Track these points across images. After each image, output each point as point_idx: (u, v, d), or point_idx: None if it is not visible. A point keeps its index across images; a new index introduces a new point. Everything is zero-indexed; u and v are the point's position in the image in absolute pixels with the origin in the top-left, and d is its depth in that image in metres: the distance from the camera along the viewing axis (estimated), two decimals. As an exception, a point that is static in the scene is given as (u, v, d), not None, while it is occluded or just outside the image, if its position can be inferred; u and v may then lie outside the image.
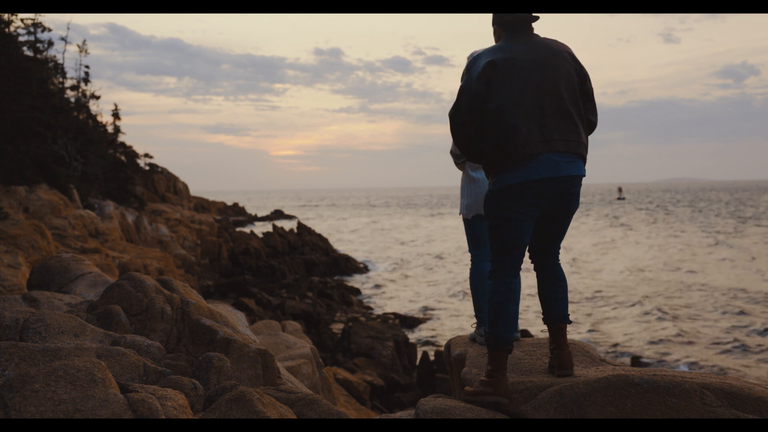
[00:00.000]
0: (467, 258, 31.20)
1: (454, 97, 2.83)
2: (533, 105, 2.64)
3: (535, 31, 2.85)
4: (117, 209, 23.03)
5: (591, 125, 2.86)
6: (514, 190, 2.65)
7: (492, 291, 2.78)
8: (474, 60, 2.78)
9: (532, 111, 2.63)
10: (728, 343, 14.90)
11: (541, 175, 2.61)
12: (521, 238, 2.74)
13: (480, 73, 2.68)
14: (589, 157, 2.90)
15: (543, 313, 2.93)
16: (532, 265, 3.00)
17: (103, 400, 2.07)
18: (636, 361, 13.53)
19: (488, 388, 2.69)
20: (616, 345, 15.00)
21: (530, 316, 17.43)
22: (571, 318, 2.97)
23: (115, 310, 3.49)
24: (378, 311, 20.21)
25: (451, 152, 3.76)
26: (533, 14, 2.81)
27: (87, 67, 31.46)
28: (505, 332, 2.73)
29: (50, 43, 26.76)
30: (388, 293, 23.81)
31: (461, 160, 3.71)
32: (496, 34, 2.93)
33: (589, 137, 2.90)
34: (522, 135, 2.61)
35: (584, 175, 2.75)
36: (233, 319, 4.24)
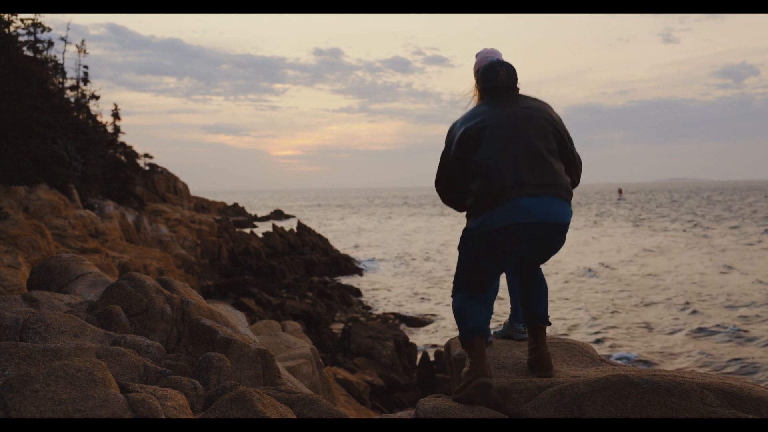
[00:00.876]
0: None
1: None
2: (507, 154, 2.66)
3: (525, 85, 2.92)
4: (117, 209, 23.03)
5: (575, 170, 2.86)
6: (491, 235, 2.63)
7: (456, 304, 2.84)
8: (451, 128, 2.90)
9: (505, 159, 2.66)
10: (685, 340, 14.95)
11: (516, 220, 2.58)
12: (492, 278, 2.79)
13: (456, 142, 2.81)
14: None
15: (523, 314, 2.97)
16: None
17: (103, 400, 2.07)
18: (636, 361, 13.55)
19: (470, 376, 2.71)
20: (597, 342, 15.03)
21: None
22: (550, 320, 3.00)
23: (115, 310, 3.49)
24: (378, 311, 20.21)
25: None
26: (515, 82, 2.86)
27: (86, 67, 31.46)
28: (476, 323, 2.76)
29: (50, 43, 26.77)
30: (388, 293, 23.81)
31: None
32: (479, 96, 2.99)
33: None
34: (497, 180, 2.62)
35: (566, 221, 2.66)
36: (233, 319, 4.25)
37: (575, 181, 2.86)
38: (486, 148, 2.69)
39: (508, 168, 2.62)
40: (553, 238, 2.68)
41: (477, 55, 3.37)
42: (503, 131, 2.71)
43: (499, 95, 2.85)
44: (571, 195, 2.71)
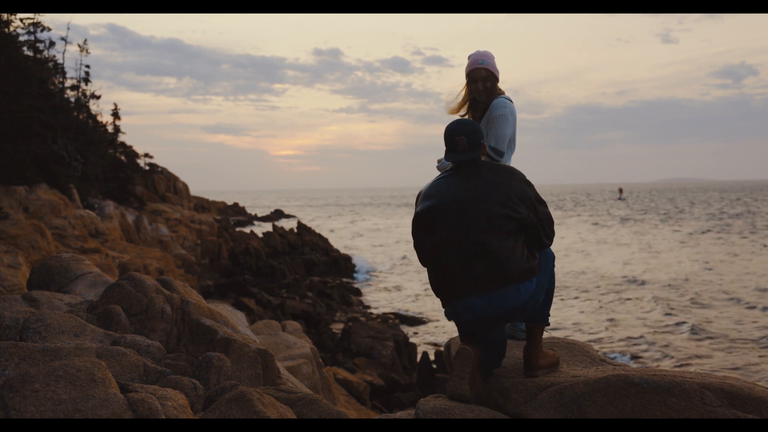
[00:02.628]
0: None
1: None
2: (455, 246, 2.74)
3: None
4: (117, 209, 23.03)
5: (544, 231, 2.83)
6: (458, 324, 2.88)
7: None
8: (418, 195, 2.98)
9: (453, 253, 2.75)
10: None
11: (465, 318, 2.78)
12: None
13: (414, 223, 2.93)
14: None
15: None
16: None
17: (103, 400, 2.07)
18: (635, 361, 13.55)
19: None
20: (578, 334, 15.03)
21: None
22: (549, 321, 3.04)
23: (115, 310, 3.49)
24: (378, 311, 20.20)
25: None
26: (478, 152, 2.82)
27: (87, 66, 31.47)
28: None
29: (50, 43, 26.79)
30: (388, 293, 23.81)
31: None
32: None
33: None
34: (444, 279, 2.78)
35: (515, 307, 2.71)
36: (233, 319, 4.25)
37: (545, 242, 2.84)
38: (437, 236, 2.78)
39: (456, 264, 2.73)
40: (509, 318, 2.80)
41: (469, 57, 3.41)
42: (454, 218, 2.76)
43: (460, 170, 2.86)
44: (523, 273, 2.70)
